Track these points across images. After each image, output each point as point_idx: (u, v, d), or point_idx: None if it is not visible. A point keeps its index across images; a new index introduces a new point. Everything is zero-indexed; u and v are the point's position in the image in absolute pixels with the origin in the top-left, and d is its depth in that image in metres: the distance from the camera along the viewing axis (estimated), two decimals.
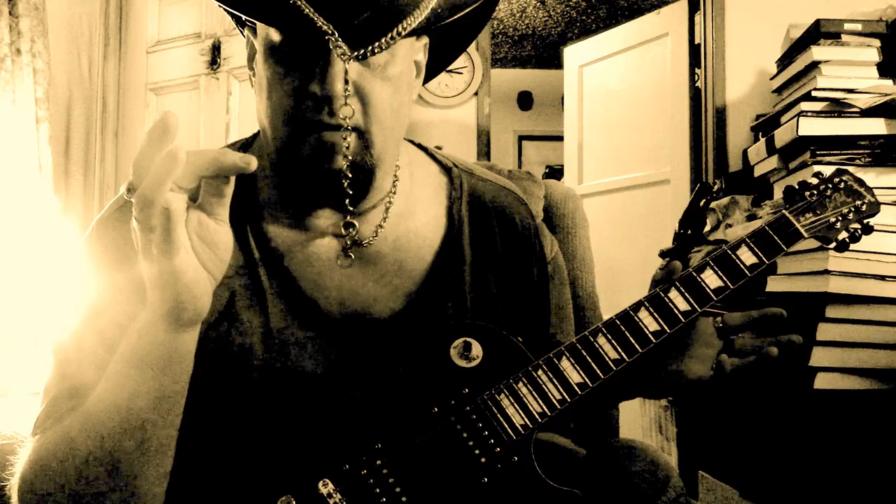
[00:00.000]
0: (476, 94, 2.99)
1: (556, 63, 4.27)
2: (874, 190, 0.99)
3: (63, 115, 2.77)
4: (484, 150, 2.98)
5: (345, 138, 0.75)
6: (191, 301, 0.65)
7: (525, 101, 6.15)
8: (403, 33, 0.74)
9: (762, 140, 2.05)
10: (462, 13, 0.81)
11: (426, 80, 0.92)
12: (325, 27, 0.71)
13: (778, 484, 1.69)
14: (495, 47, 5.29)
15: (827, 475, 1.54)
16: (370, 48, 0.73)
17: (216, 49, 2.75)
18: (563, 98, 3.78)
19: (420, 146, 0.97)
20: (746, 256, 0.88)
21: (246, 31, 0.87)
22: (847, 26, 1.90)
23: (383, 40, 0.73)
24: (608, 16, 4.69)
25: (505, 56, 5.61)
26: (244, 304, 0.81)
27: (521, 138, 6.23)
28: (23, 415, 1.95)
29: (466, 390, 0.80)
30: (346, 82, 0.73)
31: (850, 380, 1.56)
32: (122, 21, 2.94)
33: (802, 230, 0.91)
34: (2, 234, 2.32)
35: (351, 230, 0.84)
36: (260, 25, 0.79)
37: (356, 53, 0.72)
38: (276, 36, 0.76)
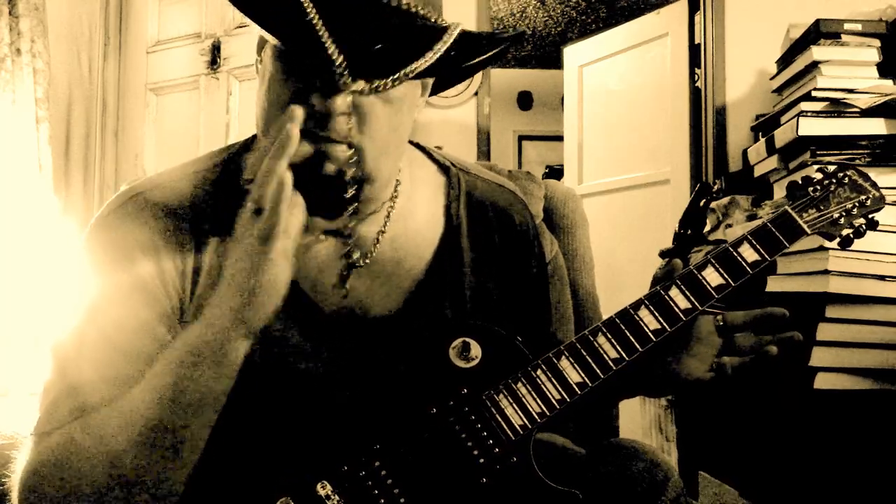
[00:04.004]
0: (476, 94, 2.98)
1: (556, 63, 4.26)
2: None
3: (63, 115, 2.76)
4: (484, 150, 2.98)
5: (352, 161, 0.75)
6: (265, 301, 0.69)
7: (525, 101, 6.14)
8: (411, 75, 0.72)
9: (762, 140, 2.05)
10: (469, 63, 0.80)
11: (433, 93, 0.91)
12: (334, 55, 0.70)
13: (778, 484, 1.69)
14: None
15: (827, 475, 1.54)
16: (375, 86, 0.72)
17: (216, 49, 2.75)
18: (563, 98, 3.77)
19: (418, 146, 0.97)
20: (748, 253, 0.87)
21: None
22: (847, 26, 1.90)
23: (389, 80, 0.72)
24: (608, 16, 4.69)
25: (505, 56, 5.61)
26: None
27: (521, 138, 6.22)
28: (23, 415, 1.95)
29: (465, 391, 0.80)
30: (350, 112, 0.73)
31: (850, 380, 1.56)
32: (122, 21, 2.94)
33: (805, 226, 0.90)
34: (2, 234, 2.32)
35: (354, 256, 0.84)
36: None
37: (359, 89, 0.71)
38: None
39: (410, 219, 0.89)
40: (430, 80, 0.87)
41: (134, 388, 0.73)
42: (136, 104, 2.91)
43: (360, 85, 0.71)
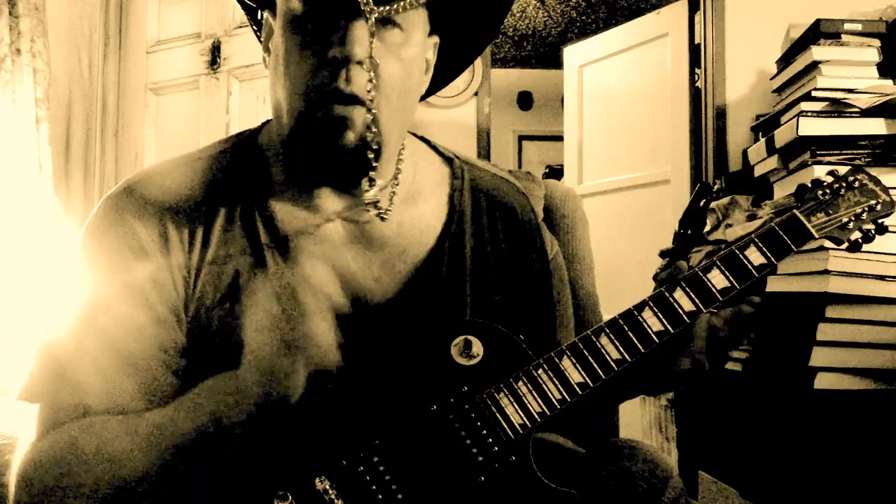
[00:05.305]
0: (476, 94, 2.98)
1: (556, 63, 4.26)
2: None
3: (63, 115, 2.76)
4: (484, 150, 2.98)
5: (369, 91, 0.76)
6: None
7: (525, 101, 6.15)
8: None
9: (762, 140, 2.05)
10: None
11: (432, 92, 0.93)
12: None
13: (778, 484, 1.69)
14: (495, 47, 5.29)
15: (827, 475, 1.54)
16: (395, 6, 0.75)
17: (216, 49, 2.75)
18: (563, 98, 3.78)
19: (423, 138, 0.98)
20: (755, 256, 0.87)
21: (265, 14, 0.88)
22: (847, 26, 1.90)
23: (407, 1, 0.75)
24: (608, 16, 4.69)
25: (505, 56, 5.61)
26: (248, 284, 0.81)
27: (521, 138, 6.22)
28: (23, 415, 1.94)
29: (466, 388, 0.80)
30: (372, 35, 0.75)
31: (850, 380, 1.56)
32: (122, 21, 2.94)
33: (813, 230, 0.89)
34: (2, 234, 2.32)
35: (372, 184, 0.83)
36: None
37: (381, 9, 0.74)
38: (298, 5, 0.78)
39: (415, 206, 0.90)
40: (433, 60, 0.89)
41: (152, 407, 0.75)
42: (136, 104, 2.91)
43: (381, 9, 0.74)
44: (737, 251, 0.87)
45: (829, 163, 1.74)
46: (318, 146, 0.79)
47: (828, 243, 1.53)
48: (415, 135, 0.97)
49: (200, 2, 2.82)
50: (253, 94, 2.69)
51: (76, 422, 0.73)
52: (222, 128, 2.72)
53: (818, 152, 1.75)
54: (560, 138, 3.83)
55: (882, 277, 1.56)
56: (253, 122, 0.94)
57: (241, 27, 2.69)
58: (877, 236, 0.93)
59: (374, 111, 0.77)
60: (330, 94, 0.76)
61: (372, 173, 0.80)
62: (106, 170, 2.88)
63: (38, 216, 2.40)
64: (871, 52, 1.87)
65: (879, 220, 0.93)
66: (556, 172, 4.99)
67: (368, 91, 0.76)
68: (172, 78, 2.86)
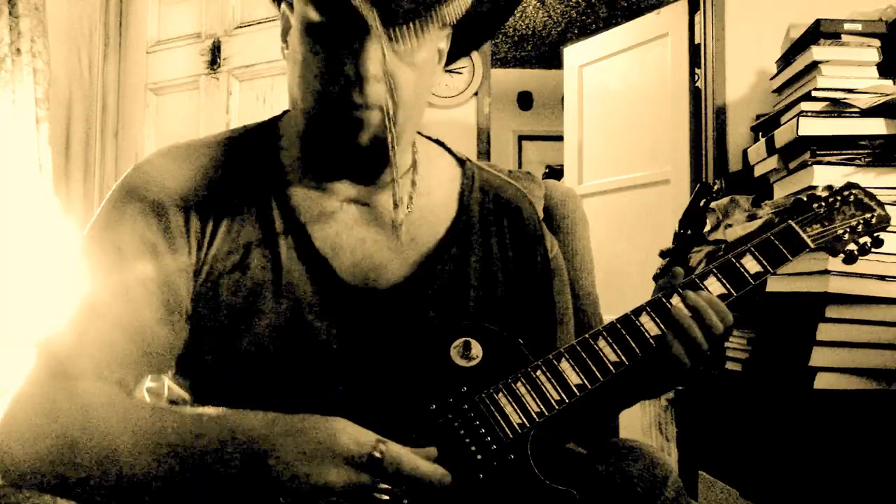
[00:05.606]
0: (476, 94, 2.98)
1: (556, 63, 4.26)
2: (874, 190, 0.99)
3: (63, 115, 2.76)
4: (484, 150, 2.98)
5: (388, 122, 0.77)
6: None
7: (525, 101, 6.15)
8: (440, 24, 0.77)
9: (762, 140, 2.05)
10: (492, 5, 0.85)
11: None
12: (364, 10, 0.73)
13: (778, 484, 1.69)
14: (495, 47, 5.29)
15: (827, 475, 1.54)
16: (405, 30, 0.76)
17: (216, 49, 2.75)
18: (563, 98, 3.78)
19: (437, 141, 1.01)
20: (751, 265, 0.89)
21: (283, 6, 0.89)
22: (847, 26, 1.90)
23: (419, 23, 0.76)
24: (608, 16, 4.69)
25: (505, 56, 5.61)
26: (259, 256, 0.82)
27: (521, 138, 6.22)
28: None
29: (465, 389, 0.81)
30: (383, 76, 0.76)
31: (850, 380, 1.56)
32: (122, 21, 2.94)
33: (809, 241, 0.92)
34: (2, 234, 2.32)
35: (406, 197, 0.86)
36: (297, 1, 0.81)
37: (393, 32, 0.75)
38: (314, 15, 0.78)
39: (427, 197, 0.92)
40: (446, 49, 0.90)
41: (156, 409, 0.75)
42: (136, 104, 2.91)
43: (393, 34, 0.75)
44: (733, 259, 0.89)
45: (829, 163, 1.74)
46: (333, 145, 0.81)
47: None
48: (429, 138, 0.99)
49: (200, 2, 2.82)
50: (253, 94, 2.69)
51: (76, 412, 0.73)
52: (222, 128, 2.72)
53: (818, 152, 1.75)
54: (560, 138, 3.83)
55: (882, 277, 1.56)
56: (253, 121, 0.95)
57: (241, 27, 2.69)
58: (872, 249, 0.95)
59: (389, 115, 0.77)
60: (344, 103, 0.78)
61: (388, 168, 0.82)
62: (106, 170, 2.88)
63: (38, 216, 2.40)
64: (871, 52, 1.87)
65: (875, 234, 0.95)
66: (556, 172, 4.98)
67: (389, 96, 0.77)
68: (172, 78, 2.86)
